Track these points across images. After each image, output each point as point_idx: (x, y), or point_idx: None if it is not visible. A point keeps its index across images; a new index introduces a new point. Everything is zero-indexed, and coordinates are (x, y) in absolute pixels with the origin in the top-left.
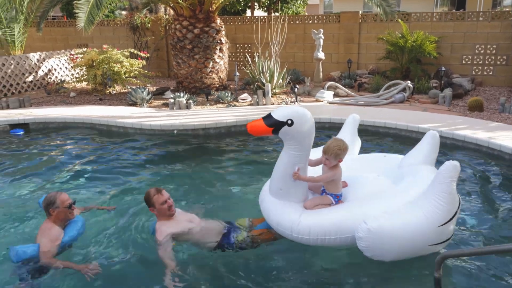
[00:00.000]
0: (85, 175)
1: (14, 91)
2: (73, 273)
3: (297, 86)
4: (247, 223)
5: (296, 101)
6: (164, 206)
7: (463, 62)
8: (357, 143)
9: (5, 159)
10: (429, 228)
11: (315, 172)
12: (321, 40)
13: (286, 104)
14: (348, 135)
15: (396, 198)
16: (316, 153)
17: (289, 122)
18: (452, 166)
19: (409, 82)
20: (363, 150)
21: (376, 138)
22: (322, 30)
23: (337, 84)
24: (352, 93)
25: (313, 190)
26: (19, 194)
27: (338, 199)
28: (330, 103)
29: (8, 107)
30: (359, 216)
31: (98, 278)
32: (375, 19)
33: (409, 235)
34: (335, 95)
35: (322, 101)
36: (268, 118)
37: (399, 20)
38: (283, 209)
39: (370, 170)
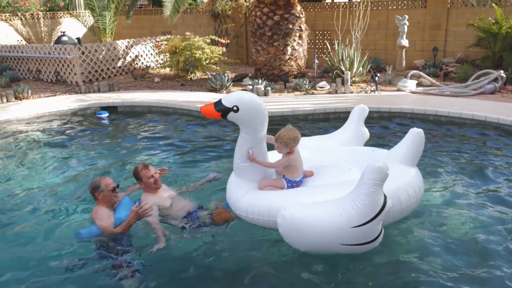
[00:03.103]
0: (166, 157)
1: (104, 75)
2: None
3: (378, 75)
4: (213, 205)
5: (377, 90)
6: (150, 180)
7: None
8: (363, 134)
9: (93, 139)
10: (341, 227)
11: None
12: (406, 27)
13: (366, 93)
14: (353, 126)
15: (340, 192)
16: (315, 141)
17: (235, 108)
18: (375, 168)
19: (501, 71)
20: (448, 144)
21: (463, 131)
22: (406, 16)
23: (421, 73)
24: (437, 83)
25: (279, 174)
26: (104, 173)
27: (291, 184)
28: (413, 92)
29: (99, 91)
30: (289, 203)
31: None
32: (465, 4)
33: (318, 229)
34: (418, 84)
35: (404, 91)
36: (218, 103)
37: (493, 5)
38: (235, 186)
39: (350, 163)
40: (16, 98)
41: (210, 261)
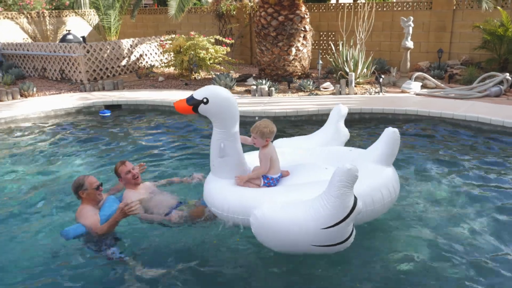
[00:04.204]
0: (167, 155)
1: (109, 74)
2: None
3: (382, 76)
4: (194, 201)
5: (381, 92)
6: (128, 175)
7: None
8: (343, 134)
9: (96, 138)
10: (311, 228)
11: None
12: (411, 28)
13: (370, 94)
14: (332, 127)
15: (315, 191)
16: (294, 142)
17: (205, 100)
18: (344, 170)
19: (507, 74)
20: (452, 146)
21: (469, 134)
22: (412, 18)
23: (426, 75)
24: (442, 85)
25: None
26: (107, 170)
27: (268, 181)
28: (417, 94)
29: (103, 89)
30: (262, 202)
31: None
32: (471, 6)
33: (289, 230)
34: (423, 86)
35: (409, 92)
36: (189, 98)
37: (498, 7)
38: (211, 184)
39: (327, 162)
40: (21, 96)
41: (196, 257)
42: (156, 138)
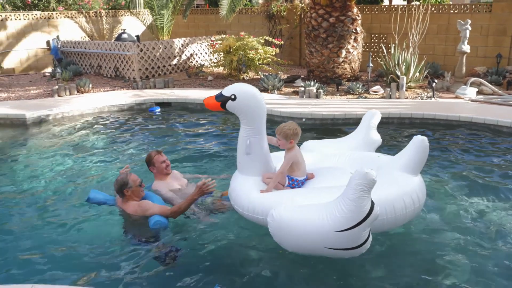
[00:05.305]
0: (211, 153)
1: (160, 72)
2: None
3: (435, 81)
4: (219, 194)
5: (433, 97)
6: (162, 165)
7: None
8: (374, 140)
9: (146, 133)
10: (325, 230)
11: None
12: (468, 32)
13: (422, 99)
14: (363, 131)
15: (335, 195)
16: (324, 145)
17: (233, 97)
18: (362, 174)
19: None
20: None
21: None
22: (469, 21)
23: (482, 80)
24: (500, 91)
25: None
26: None
27: (293, 182)
28: (472, 101)
29: (155, 87)
30: (282, 203)
31: None
32: None
33: (304, 231)
34: (479, 92)
35: (463, 98)
36: (218, 94)
37: None
38: (236, 181)
39: (353, 167)
40: (78, 91)
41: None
42: (201, 135)
